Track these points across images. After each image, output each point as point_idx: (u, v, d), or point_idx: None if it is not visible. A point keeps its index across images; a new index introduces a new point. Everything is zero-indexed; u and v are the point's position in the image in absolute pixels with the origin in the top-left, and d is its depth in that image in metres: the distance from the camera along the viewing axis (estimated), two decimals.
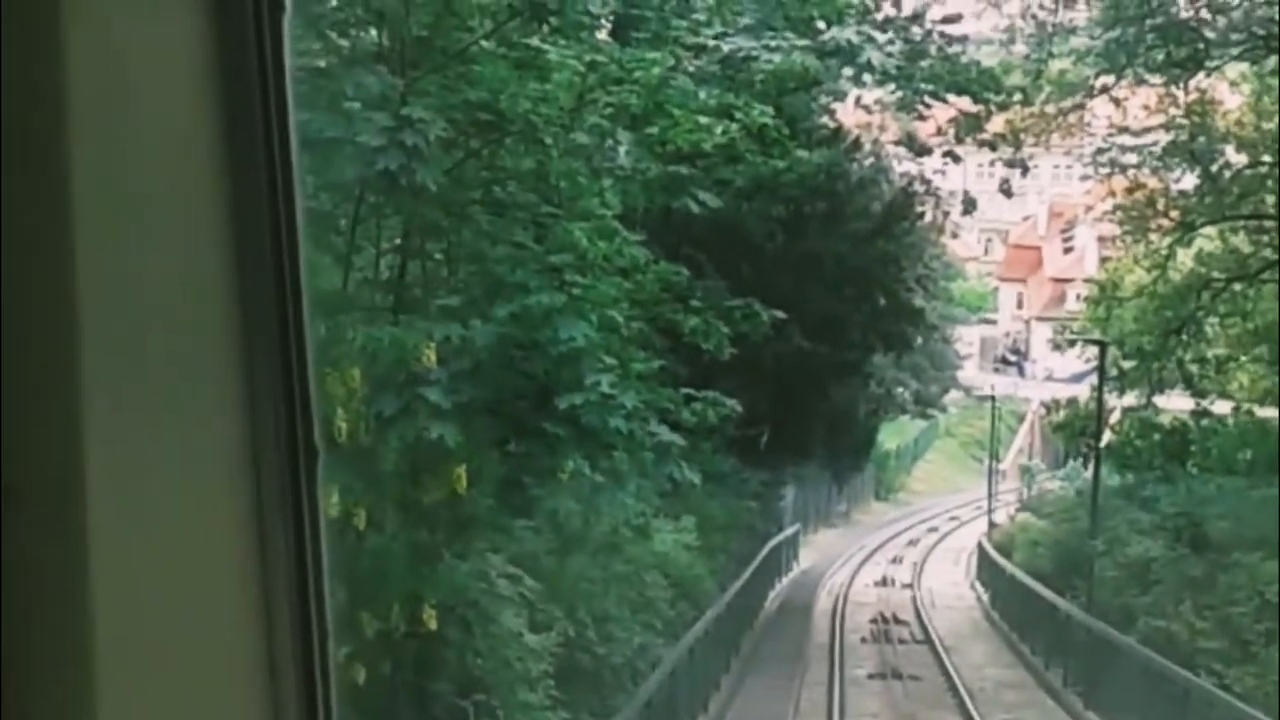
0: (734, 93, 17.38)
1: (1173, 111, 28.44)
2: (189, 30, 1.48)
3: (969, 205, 32.86)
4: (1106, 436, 28.59)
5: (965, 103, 26.37)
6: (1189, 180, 29.63)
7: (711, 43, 17.43)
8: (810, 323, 25.42)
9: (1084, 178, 34.42)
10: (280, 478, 1.52)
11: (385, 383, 11.98)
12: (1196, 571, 22.46)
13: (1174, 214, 29.38)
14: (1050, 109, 29.25)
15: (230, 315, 1.49)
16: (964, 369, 49.73)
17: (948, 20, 25.34)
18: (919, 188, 31.07)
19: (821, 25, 20.85)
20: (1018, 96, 27.93)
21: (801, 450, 30.73)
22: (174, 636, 1.46)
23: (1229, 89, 29.79)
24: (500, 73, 13.62)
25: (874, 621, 29.36)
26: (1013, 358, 55.97)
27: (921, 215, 31.68)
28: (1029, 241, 55.56)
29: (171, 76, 1.48)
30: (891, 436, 47.88)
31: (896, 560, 40.02)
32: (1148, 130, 29.16)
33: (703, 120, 16.09)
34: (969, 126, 27.63)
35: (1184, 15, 27.60)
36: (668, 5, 16.51)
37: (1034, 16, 28.82)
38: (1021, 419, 52.24)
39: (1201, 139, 28.27)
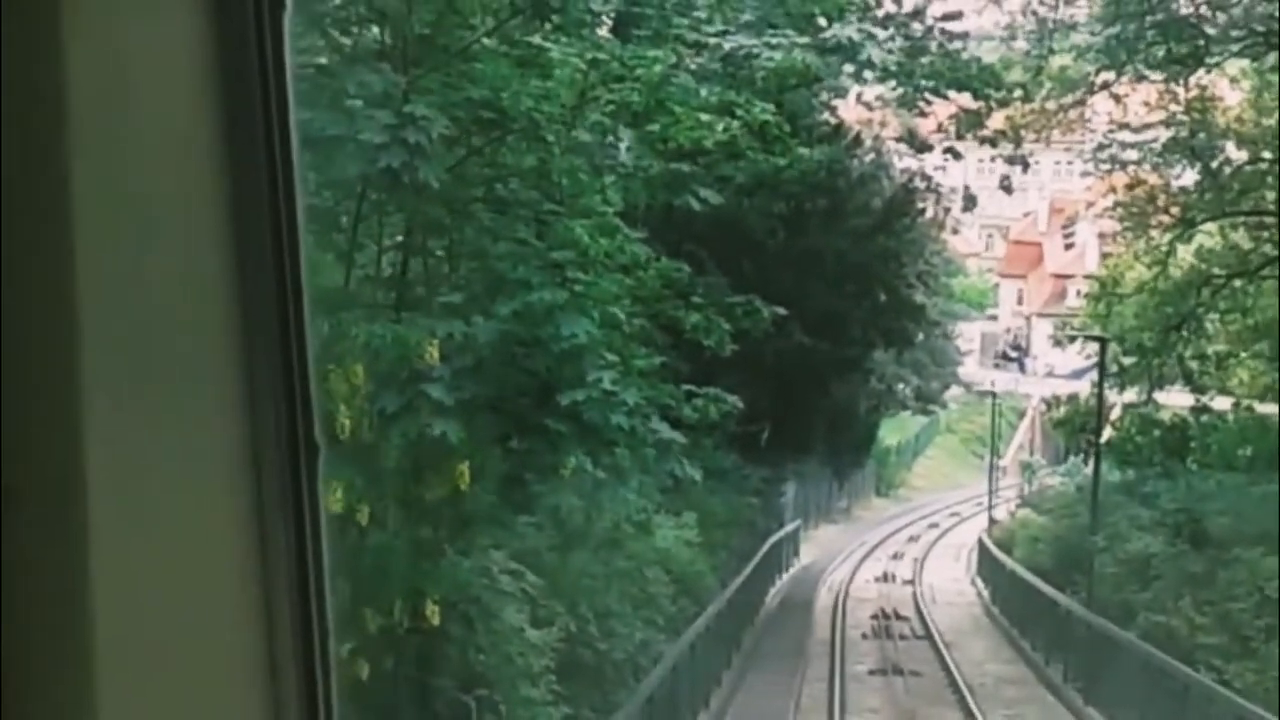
0: (735, 90, 17.41)
1: (1173, 108, 28.45)
2: (189, 28, 1.47)
3: (969, 202, 32.88)
4: (1107, 432, 28.63)
5: (966, 99, 26.40)
6: (1189, 176, 29.66)
7: (713, 40, 17.45)
8: (811, 319, 25.45)
9: (1085, 174, 34.44)
10: (281, 475, 1.52)
11: (388, 379, 12.02)
12: (1196, 567, 22.51)
13: (1174, 210, 29.41)
14: (1051, 105, 29.28)
15: (231, 313, 1.49)
16: (965, 365, 49.73)
17: (948, 17, 25.38)
18: (920, 184, 31.10)
19: (822, 22, 20.87)
20: (1018, 93, 27.96)
21: (802, 446, 30.77)
22: (174, 635, 1.46)
23: (1229, 85, 29.81)
24: (502, 70, 13.64)
25: (875, 617, 29.41)
26: (1013, 354, 55.99)
27: (922, 211, 31.70)
28: (1030, 238, 55.56)
29: (171, 75, 1.47)
30: (892, 432, 47.91)
31: (897, 556, 40.08)
32: (1148, 126, 29.18)
33: (704, 117, 16.11)
34: (969, 123, 27.67)
35: (1184, 11, 27.62)
36: (669, 3, 16.53)
37: (1034, 13, 28.86)
38: (1022, 415, 52.28)
39: (1202, 135, 28.29)
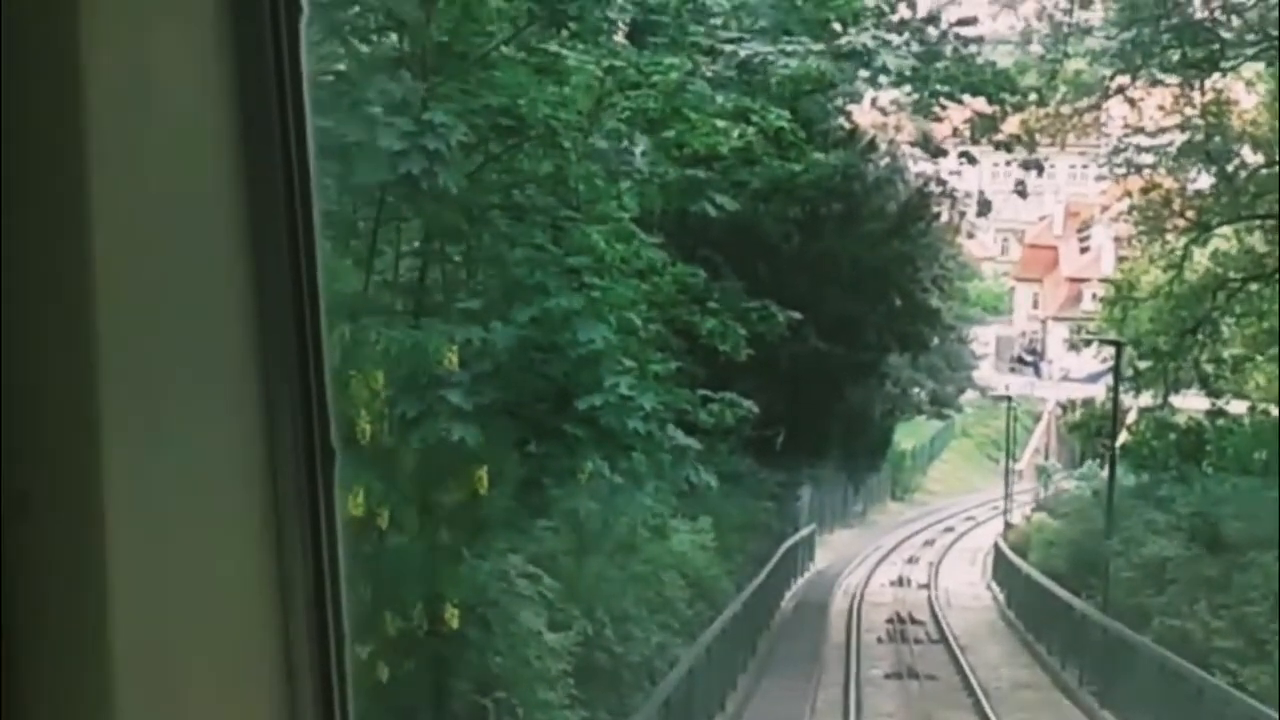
0: (751, 96, 17.49)
1: (1188, 111, 28.45)
2: (205, 34, 1.47)
3: (984, 207, 32.88)
4: (1122, 436, 28.62)
5: (980, 104, 26.43)
6: (1205, 180, 29.64)
7: (728, 48, 17.53)
8: (826, 323, 25.51)
9: (1100, 178, 34.43)
10: (297, 479, 1.50)
11: (408, 385, 12.12)
12: (1212, 571, 22.50)
13: (1190, 214, 29.39)
14: (1066, 109, 29.29)
15: (247, 318, 1.48)
16: (980, 369, 49.64)
17: (963, 22, 25.42)
18: (935, 188, 31.12)
19: (837, 28, 20.93)
20: (1033, 97, 27.99)
21: (818, 451, 30.79)
22: (191, 639, 1.46)
23: (1245, 89, 29.79)
24: (520, 77, 13.76)
25: (890, 621, 29.42)
26: (1029, 358, 55.87)
27: (937, 216, 31.72)
28: (1045, 241, 55.43)
29: (188, 80, 1.47)
30: (907, 437, 47.85)
31: (912, 560, 40.05)
32: (1163, 130, 29.18)
33: (720, 124, 16.21)
34: (984, 127, 27.69)
35: (1199, 16, 27.63)
36: (684, 10, 16.62)
37: (1049, 17, 28.88)
38: (1037, 419, 52.17)
39: (1217, 139, 28.28)
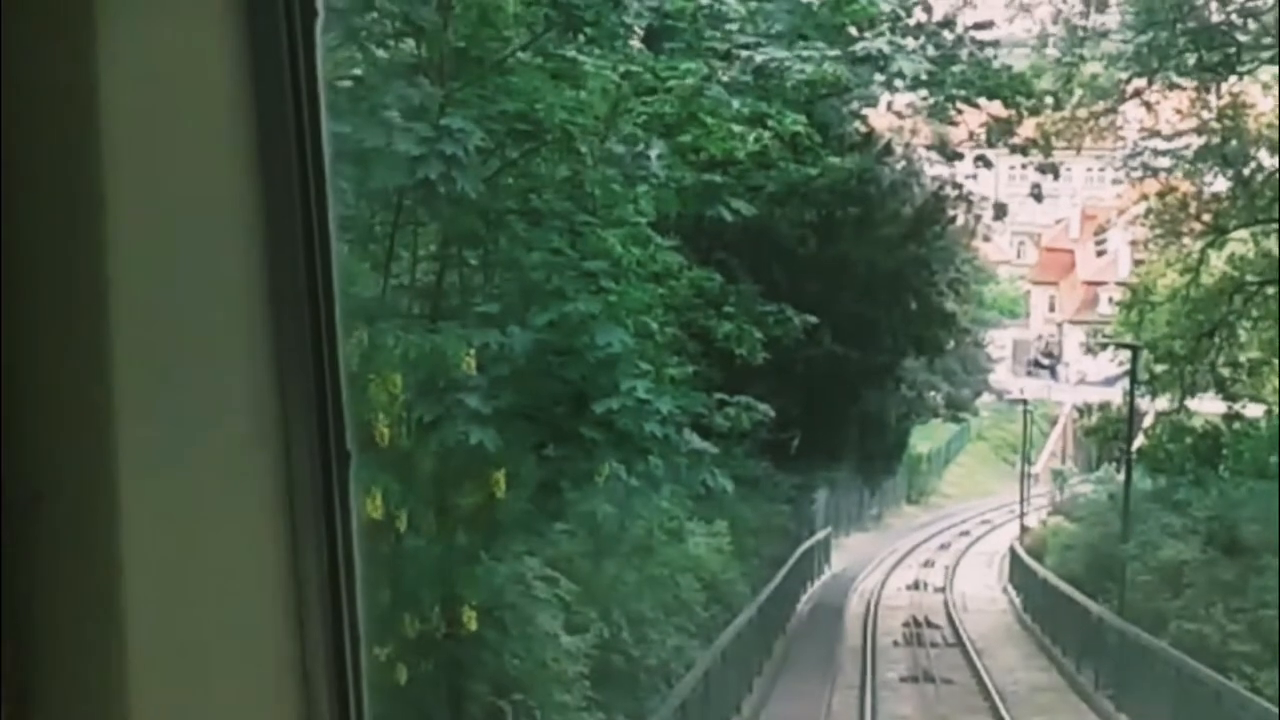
0: (766, 101, 17.54)
1: (1205, 115, 28.41)
2: (221, 37, 1.47)
3: (1000, 211, 32.86)
4: (1139, 440, 28.58)
5: (996, 107, 26.44)
6: (1221, 184, 29.58)
7: (744, 53, 17.59)
8: (842, 327, 25.53)
9: (1116, 181, 34.38)
10: (313, 481, 1.51)
11: (426, 388, 12.19)
12: (1228, 575, 22.47)
13: (1206, 217, 29.34)
14: (1082, 113, 29.27)
15: (262, 321, 1.49)
16: (996, 372, 49.56)
17: (979, 26, 25.44)
18: (950, 192, 31.10)
19: (853, 32, 20.96)
20: (1049, 100, 27.97)
21: (833, 454, 30.78)
22: (206, 639, 1.47)
23: (1261, 92, 29.72)
24: (536, 83, 13.83)
25: (906, 625, 29.41)
26: (1045, 361, 55.74)
27: (953, 219, 31.70)
28: (1061, 245, 55.32)
29: (204, 83, 1.47)
30: (923, 440, 47.77)
31: (928, 564, 40.00)
32: (1180, 134, 29.13)
33: (736, 128, 16.26)
34: (1000, 131, 27.69)
35: (1216, 19, 27.59)
36: (700, 15, 16.67)
37: (1065, 21, 28.87)
38: (1054, 422, 52.05)
39: (1234, 142, 28.23)
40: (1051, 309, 57.07)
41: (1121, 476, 27.98)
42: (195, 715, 1.46)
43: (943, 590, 35.34)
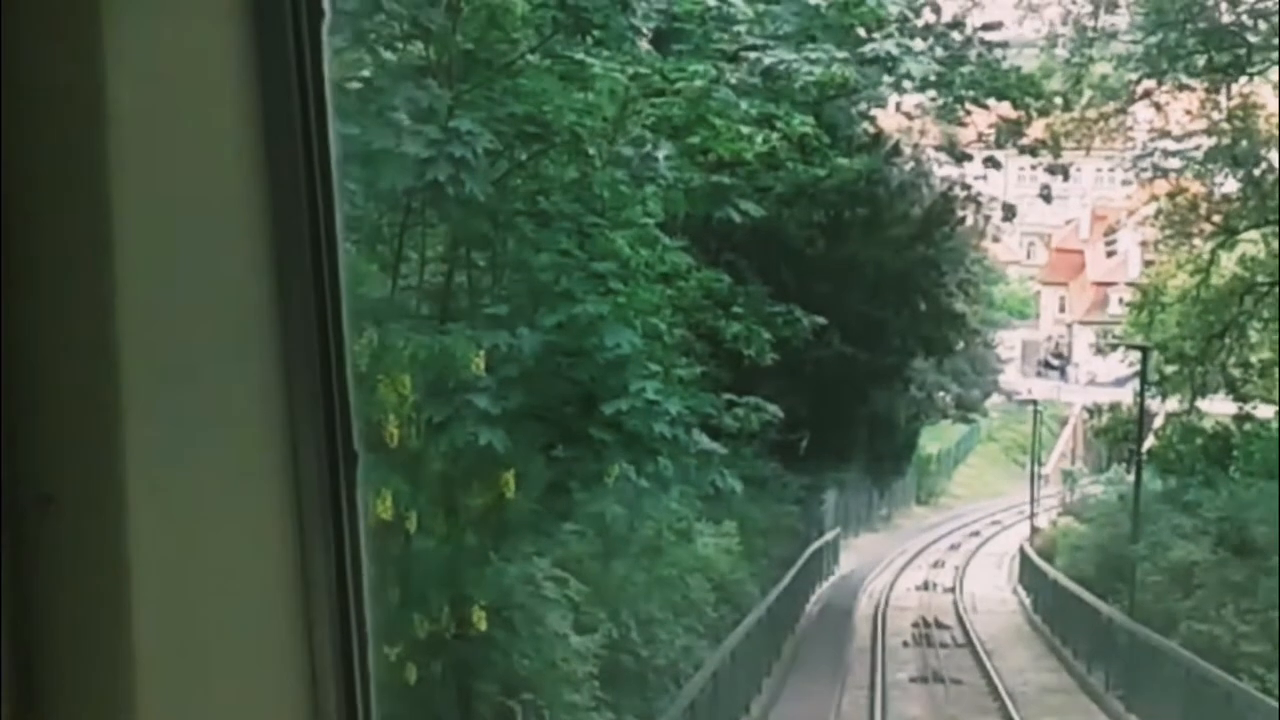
0: (775, 102, 17.57)
1: (1215, 116, 28.37)
2: (228, 38, 1.47)
3: (1009, 212, 32.83)
4: (1149, 441, 28.53)
5: (1005, 108, 26.43)
6: (1231, 184, 29.54)
7: (752, 54, 17.61)
8: (851, 328, 25.52)
9: (1126, 182, 34.33)
10: (320, 482, 1.51)
11: (435, 389, 12.23)
12: (1239, 576, 22.44)
13: (1217, 218, 29.29)
14: (1091, 114, 29.24)
15: (269, 322, 1.48)
16: (1006, 373, 49.53)
17: (988, 26, 25.43)
18: (959, 192, 31.09)
19: (861, 33, 20.97)
20: (1058, 101, 27.95)
21: (842, 455, 30.78)
22: (214, 641, 1.47)
23: (1272, 93, 29.67)
24: (545, 85, 13.87)
25: (915, 625, 29.40)
26: (1055, 362, 55.65)
27: (962, 220, 31.69)
28: (1071, 245, 55.24)
29: (210, 84, 1.47)
30: (932, 441, 47.73)
31: (938, 564, 39.97)
32: (1190, 135, 29.08)
33: (744, 130, 16.29)
34: (1009, 132, 27.68)
35: (1226, 20, 27.55)
36: (709, 17, 16.70)
37: (1075, 21, 28.84)
38: (1064, 423, 51.97)
39: (1244, 143, 28.18)
40: (1061, 310, 56.99)
41: (1132, 477, 27.95)
42: (202, 716, 1.47)
43: (952, 591, 35.31)
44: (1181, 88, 28.47)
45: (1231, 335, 28.93)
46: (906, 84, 23.99)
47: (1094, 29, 28.68)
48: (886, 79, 22.99)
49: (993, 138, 28.31)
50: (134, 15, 1.40)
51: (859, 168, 23.80)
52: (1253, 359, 29.57)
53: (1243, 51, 27.23)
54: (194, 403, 1.44)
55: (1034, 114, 26.97)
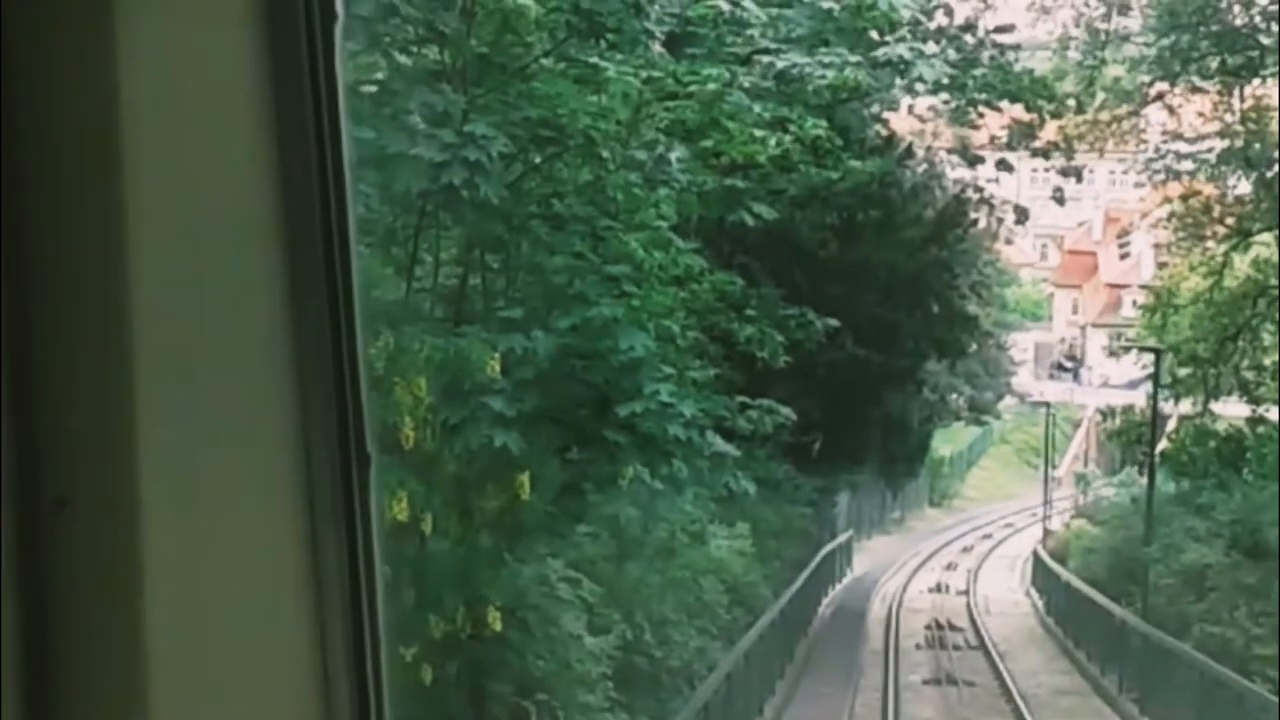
0: (788, 106, 17.62)
1: (1228, 118, 28.35)
2: (241, 40, 1.46)
3: (1021, 215, 32.84)
4: (1162, 443, 28.51)
5: (1018, 110, 26.44)
6: (1245, 186, 29.51)
7: (765, 58, 17.67)
8: (864, 330, 25.55)
9: (1139, 184, 34.31)
10: (334, 484, 1.51)
11: (450, 392, 12.31)
12: (1252, 578, 22.42)
13: (1230, 220, 29.27)
14: (1104, 116, 29.25)
15: (283, 323, 1.48)
16: (1019, 375, 49.47)
17: (1000, 29, 25.46)
18: (972, 195, 31.09)
19: (874, 36, 21.01)
20: (1071, 104, 27.96)
21: (855, 457, 30.80)
22: (227, 643, 1.46)
23: None
24: (559, 89, 13.94)
25: (929, 627, 29.40)
26: (1068, 364, 55.58)
27: (975, 222, 31.69)
28: (1084, 247, 55.17)
29: (223, 86, 1.47)
30: (945, 443, 47.69)
31: (951, 567, 39.95)
32: (1203, 137, 29.07)
33: (757, 133, 16.35)
34: (1022, 134, 27.69)
35: (1239, 22, 27.54)
36: (722, 21, 16.76)
37: (1087, 24, 28.85)
38: (1077, 425, 51.90)
39: (1257, 145, 28.16)
40: (1074, 312, 56.91)
41: (1145, 480, 27.93)
42: (216, 717, 1.46)
43: (965, 593, 35.29)
44: (1194, 90, 28.47)
45: (1245, 338, 28.90)
46: (919, 87, 24.03)
47: (1107, 31, 28.69)
48: (899, 82, 23.03)
49: (1005, 140, 28.34)
50: (147, 18, 1.40)
51: (872, 170, 23.85)
52: (1266, 361, 29.53)
53: (1255, 54, 27.21)
54: (208, 405, 1.44)
55: (1047, 116, 26.99)
